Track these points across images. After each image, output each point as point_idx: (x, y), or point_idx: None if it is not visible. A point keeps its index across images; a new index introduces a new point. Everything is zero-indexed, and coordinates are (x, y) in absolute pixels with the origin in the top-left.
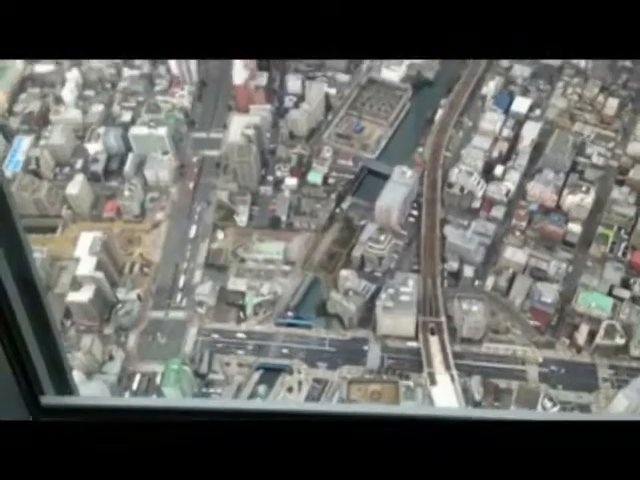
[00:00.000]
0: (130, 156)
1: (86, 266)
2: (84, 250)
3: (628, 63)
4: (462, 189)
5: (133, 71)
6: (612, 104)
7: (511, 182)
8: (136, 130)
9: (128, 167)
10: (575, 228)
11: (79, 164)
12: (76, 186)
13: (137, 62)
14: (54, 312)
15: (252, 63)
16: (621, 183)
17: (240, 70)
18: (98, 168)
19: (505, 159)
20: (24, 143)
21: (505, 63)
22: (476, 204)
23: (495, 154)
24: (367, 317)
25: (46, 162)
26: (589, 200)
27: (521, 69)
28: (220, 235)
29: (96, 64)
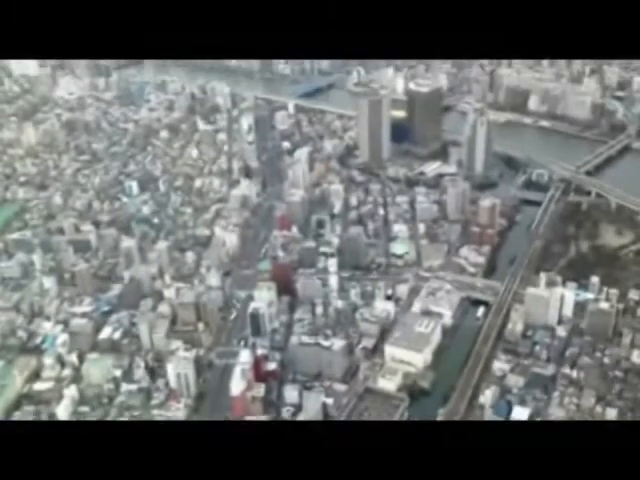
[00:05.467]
0: None
1: None
2: None
3: (620, 373)
4: None
5: (131, 385)
6: (611, 414)
7: None
8: None
9: None
10: None
11: None
12: None
13: (136, 376)
14: None
15: (250, 374)
16: None
17: (238, 381)
18: None
19: None
20: None
21: (498, 372)
22: None
23: None
24: None
25: None
26: None
27: (515, 379)
28: None
29: (96, 380)
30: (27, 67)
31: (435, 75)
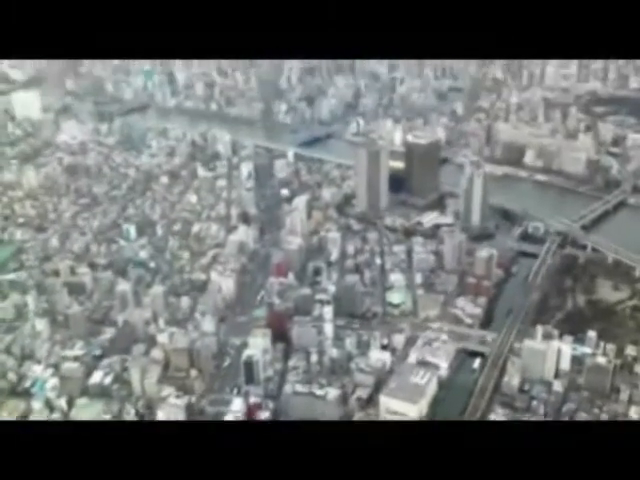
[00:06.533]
0: None
1: None
2: None
3: None
4: None
5: None
6: None
7: None
8: None
9: None
10: None
11: None
12: None
13: None
14: None
15: None
16: None
17: None
18: None
19: None
20: None
21: None
22: None
23: None
24: None
25: None
26: None
27: None
28: None
29: None
30: (30, 111)
31: (433, 128)
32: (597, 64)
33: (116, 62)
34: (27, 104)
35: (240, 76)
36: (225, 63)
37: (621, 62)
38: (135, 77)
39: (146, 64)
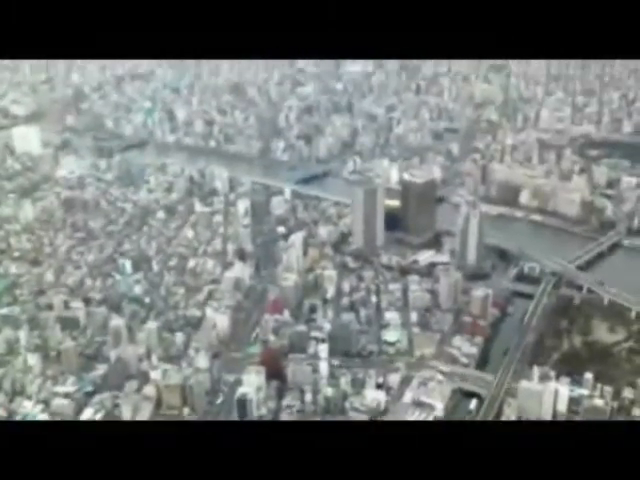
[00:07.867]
0: None
1: None
2: None
3: None
4: None
5: None
6: None
7: None
8: None
9: None
10: None
11: None
12: None
13: None
14: None
15: None
16: None
17: None
18: None
19: None
20: None
21: None
22: None
23: None
24: None
25: None
26: None
27: None
28: None
29: None
30: (30, 145)
31: (429, 167)
32: (591, 108)
33: (117, 99)
34: (27, 139)
35: (239, 114)
36: (224, 101)
37: (615, 106)
38: (135, 114)
39: (146, 101)
